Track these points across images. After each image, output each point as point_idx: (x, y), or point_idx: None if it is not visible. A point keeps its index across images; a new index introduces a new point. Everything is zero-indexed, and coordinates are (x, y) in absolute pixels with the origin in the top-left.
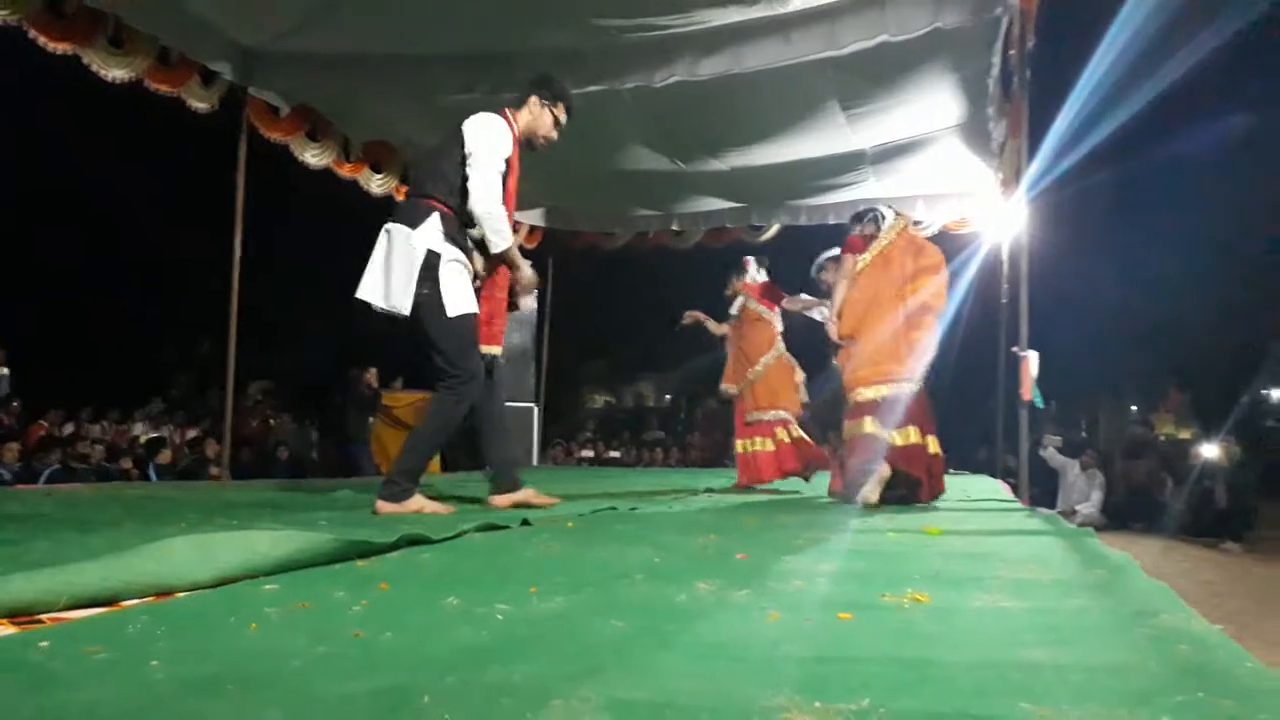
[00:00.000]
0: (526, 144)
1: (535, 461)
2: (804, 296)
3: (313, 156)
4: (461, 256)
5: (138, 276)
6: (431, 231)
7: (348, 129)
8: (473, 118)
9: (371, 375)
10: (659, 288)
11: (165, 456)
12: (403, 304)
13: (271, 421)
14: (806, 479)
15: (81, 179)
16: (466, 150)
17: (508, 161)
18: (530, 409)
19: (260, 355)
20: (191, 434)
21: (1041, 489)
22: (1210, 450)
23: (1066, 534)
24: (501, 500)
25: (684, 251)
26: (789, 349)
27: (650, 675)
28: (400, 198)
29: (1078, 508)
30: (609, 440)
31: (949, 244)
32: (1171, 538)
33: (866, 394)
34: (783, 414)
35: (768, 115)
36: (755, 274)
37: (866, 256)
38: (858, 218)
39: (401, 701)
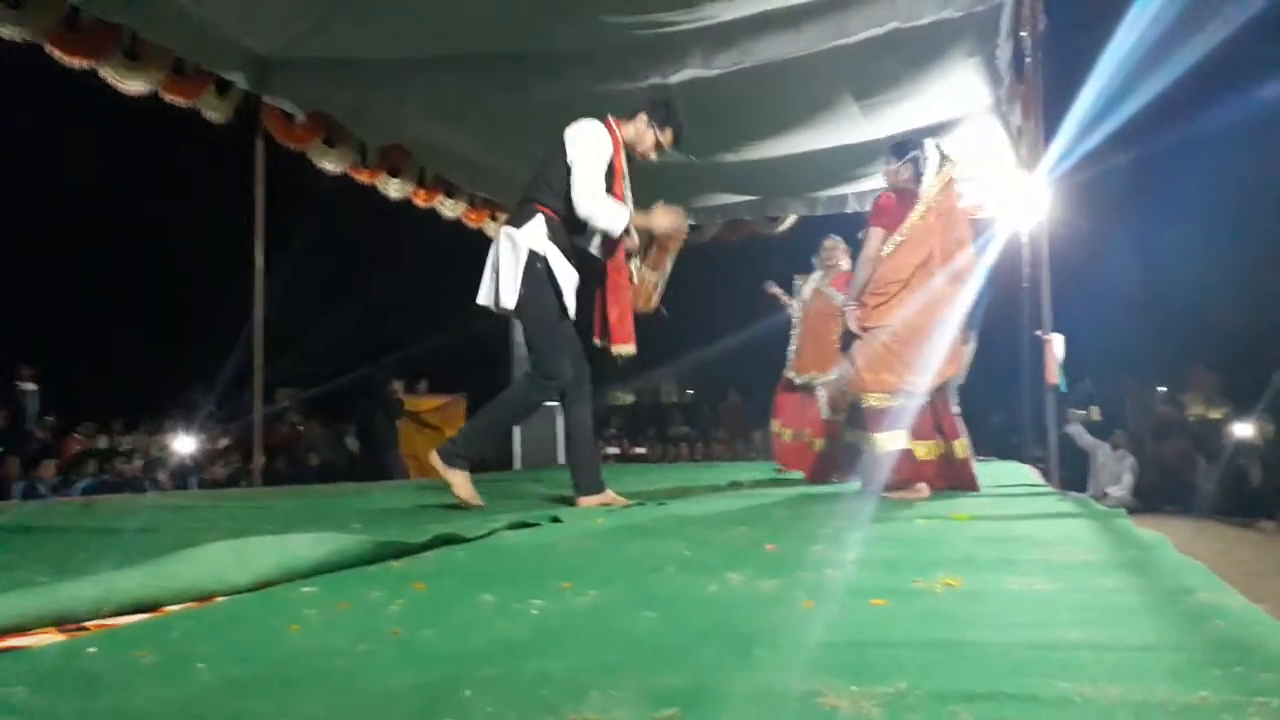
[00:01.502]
0: (628, 154)
1: (560, 459)
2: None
3: (330, 163)
4: (563, 261)
5: (161, 289)
6: (535, 233)
7: (364, 134)
8: (573, 125)
9: (397, 386)
10: (678, 283)
11: (217, 472)
12: (509, 301)
13: (301, 429)
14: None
15: (101, 194)
16: (569, 159)
17: (611, 165)
18: (554, 407)
19: (286, 363)
20: (223, 443)
21: (1071, 473)
22: (1244, 429)
23: (1098, 516)
24: (590, 501)
25: (701, 246)
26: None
27: (685, 664)
28: (419, 203)
29: (1108, 490)
30: (634, 437)
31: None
32: (1205, 518)
33: (881, 401)
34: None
35: (781, 108)
36: (843, 261)
37: (905, 228)
38: (896, 151)
39: (443, 695)
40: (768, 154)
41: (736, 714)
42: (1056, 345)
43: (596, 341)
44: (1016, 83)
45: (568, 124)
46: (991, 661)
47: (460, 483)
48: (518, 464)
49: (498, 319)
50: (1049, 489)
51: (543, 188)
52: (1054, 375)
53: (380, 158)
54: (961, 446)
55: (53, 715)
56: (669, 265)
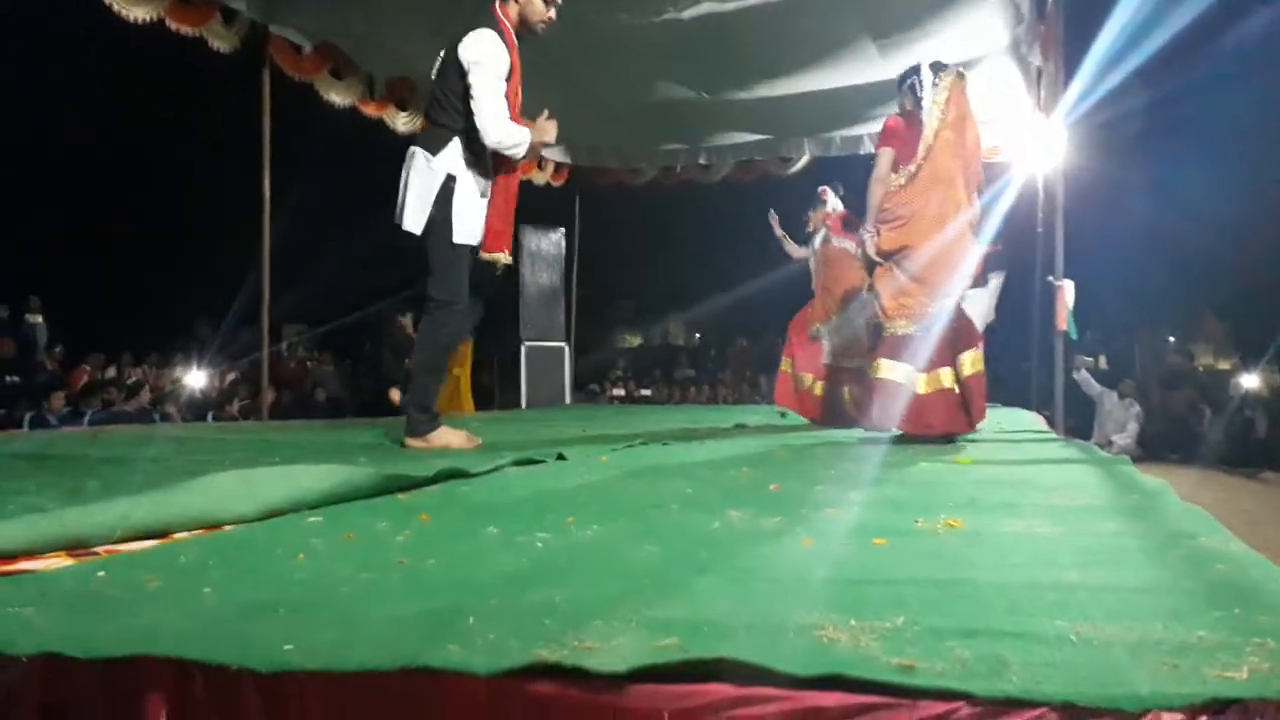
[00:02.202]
0: (528, 33)
1: (569, 399)
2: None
3: (337, 95)
4: (477, 182)
5: (166, 220)
6: (451, 156)
7: (371, 66)
8: (465, 40)
9: (407, 320)
10: (688, 224)
11: (225, 405)
12: (415, 225)
13: (308, 364)
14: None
15: (106, 123)
16: (469, 80)
17: (508, 74)
18: (561, 348)
19: (294, 298)
20: (230, 378)
21: (1077, 420)
22: (1250, 380)
23: (1101, 462)
24: (417, 442)
25: (712, 186)
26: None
27: (686, 596)
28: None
29: (1113, 438)
30: (640, 379)
31: (984, 172)
32: (1209, 468)
33: (904, 328)
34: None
35: (797, 45)
36: (835, 204)
37: (919, 157)
38: (899, 83)
39: (447, 622)
40: (782, 92)
41: (736, 644)
42: (1068, 292)
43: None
44: (1037, 23)
45: (576, 59)
46: (990, 600)
47: (445, 439)
48: (524, 403)
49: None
50: (1054, 435)
51: (447, 109)
52: (1064, 322)
53: (388, 90)
54: (970, 363)
55: (61, 636)
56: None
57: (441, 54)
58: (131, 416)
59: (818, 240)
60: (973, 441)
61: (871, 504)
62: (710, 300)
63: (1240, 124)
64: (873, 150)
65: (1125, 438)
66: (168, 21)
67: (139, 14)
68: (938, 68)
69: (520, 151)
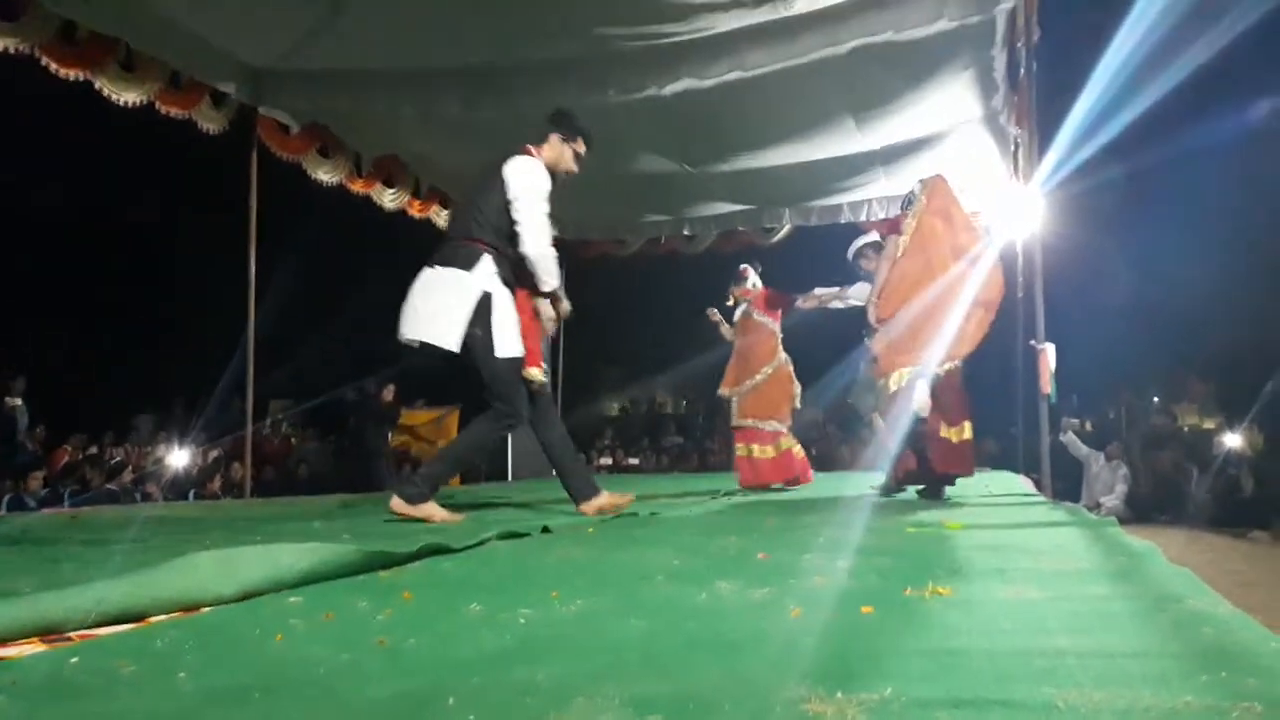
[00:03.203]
0: (551, 178)
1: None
2: (818, 291)
3: (325, 174)
4: (509, 299)
5: (155, 300)
6: (486, 274)
7: (358, 145)
8: (512, 162)
9: (389, 391)
10: (673, 294)
11: (207, 484)
12: (452, 342)
13: (293, 440)
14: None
15: (96, 204)
16: (510, 196)
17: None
18: None
19: (280, 375)
20: (213, 455)
21: (1065, 483)
22: (1234, 439)
23: (1089, 524)
24: (589, 507)
25: (696, 257)
26: (792, 353)
27: (672, 671)
28: (415, 213)
29: (1102, 500)
30: (628, 447)
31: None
32: (1197, 528)
33: (898, 381)
34: (778, 425)
35: (776, 119)
36: (755, 281)
37: (905, 237)
38: (902, 205)
39: (426, 703)
40: (762, 164)
41: None
42: (1050, 355)
43: None
44: (1011, 94)
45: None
46: (978, 669)
47: (430, 512)
48: (510, 475)
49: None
50: (1041, 499)
51: (484, 225)
52: (1048, 385)
53: (375, 168)
54: (958, 433)
55: None
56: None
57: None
58: (111, 496)
59: (738, 313)
60: (961, 505)
61: (860, 572)
62: (697, 367)
63: (1217, 190)
64: (851, 219)
65: (1114, 499)
66: (158, 105)
67: (130, 98)
68: (921, 181)
69: (551, 279)
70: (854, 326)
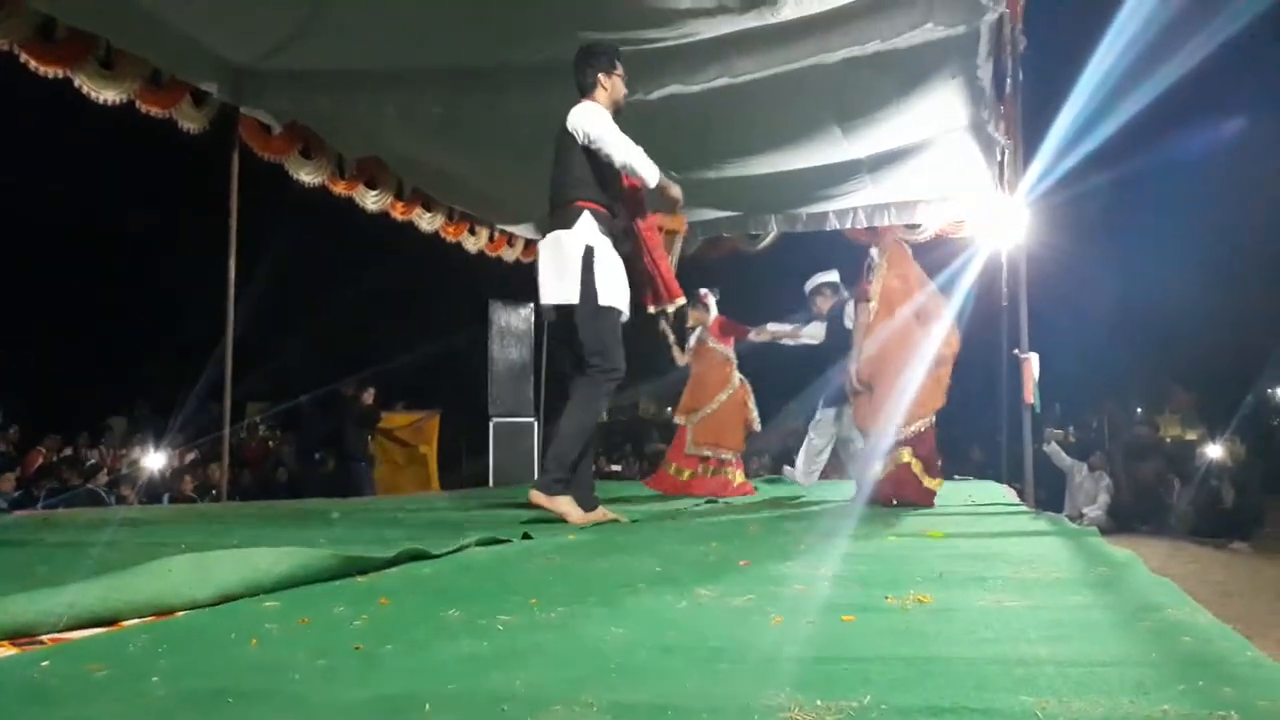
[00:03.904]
0: (617, 112)
1: (536, 476)
2: (771, 327)
3: (307, 175)
4: (612, 252)
5: (131, 300)
6: (586, 228)
7: (341, 146)
8: (570, 115)
9: (369, 394)
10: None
11: (184, 487)
12: (565, 296)
13: (271, 443)
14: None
15: (73, 204)
16: (584, 139)
17: None
18: (530, 423)
19: (258, 377)
20: (190, 458)
21: (1048, 493)
22: (1215, 450)
23: (1070, 534)
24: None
25: (681, 262)
26: (775, 366)
27: (652, 679)
28: (397, 215)
29: (1084, 510)
30: (610, 454)
31: (947, 248)
32: (1179, 539)
33: (870, 439)
34: (724, 454)
35: (762, 126)
36: (713, 308)
37: (874, 303)
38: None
39: (402, 709)
40: (748, 171)
41: None
42: (1033, 365)
43: (651, 309)
44: (997, 103)
45: (546, 138)
46: (958, 677)
47: (567, 508)
48: (492, 480)
49: (476, 335)
50: (1024, 508)
51: (573, 184)
52: (1031, 394)
53: (358, 170)
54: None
55: None
56: (675, 252)
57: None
58: (85, 498)
59: (693, 338)
60: (944, 515)
61: (841, 580)
62: (680, 374)
63: (1200, 202)
64: (837, 226)
65: (1096, 509)
66: (138, 103)
67: (109, 96)
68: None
69: (651, 174)
70: (839, 348)
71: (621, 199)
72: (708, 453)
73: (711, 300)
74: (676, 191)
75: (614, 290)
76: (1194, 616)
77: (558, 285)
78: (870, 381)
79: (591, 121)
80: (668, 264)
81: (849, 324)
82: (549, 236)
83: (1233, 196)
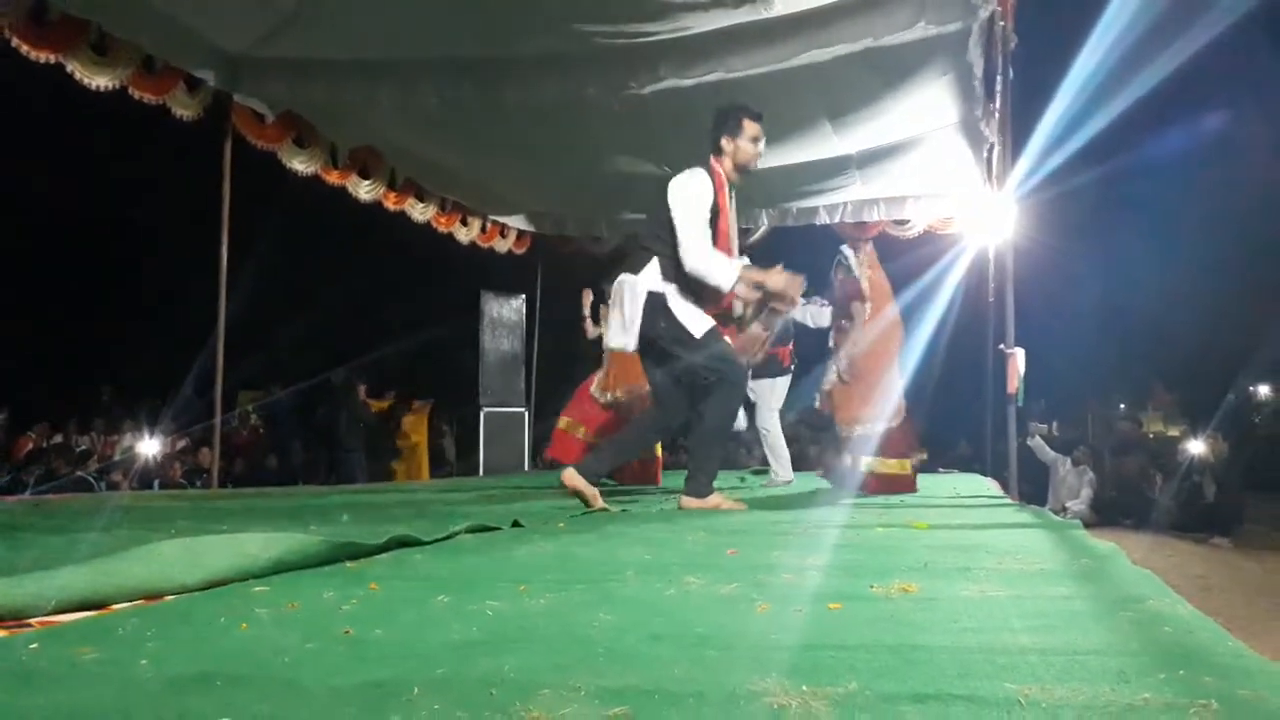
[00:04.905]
0: (744, 173)
1: (527, 466)
2: None
3: (300, 163)
4: (681, 298)
5: (123, 286)
6: (651, 275)
7: (335, 135)
8: (677, 177)
9: (361, 390)
10: None
11: (174, 474)
12: (629, 342)
13: (262, 431)
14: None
15: (65, 188)
16: (670, 213)
17: (714, 208)
18: (521, 414)
19: (250, 365)
20: (180, 446)
21: (1032, 486)
22: (1197, 446)
23: (1054, 526)
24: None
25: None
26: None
27: (639, 664)
28: (390, 205)
29: (1068, 504)
30: None
31: (935, 244)
32: (1161, 533)
33: (857, 431)
34: None
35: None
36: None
37: (869, 304)
38: (835, 266)
39: (391, 694)
40: None
41: (686, 713)
42: (1019, 359)
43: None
44: (988, 101)
45: (540, 130)
46: (941, 664)
47: (718, 501)
48: (482, 470)
49: (467, 325)
50: (1008, 501)
51: (655, 235)
52: (1014, 385)
53: (351, 159)
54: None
55: None
56: (777, 326)
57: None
58: (75, 485)
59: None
60: (929, 506)
61: (828, 568)
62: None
63: (1187, 200)
64: (827, 220)
65: (1079, 504)
66: (130, 90)
67: (101, 82)
68: (854, 245)
69: (721, 282)
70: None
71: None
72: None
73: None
74: (777, 282)
75: (698, 319)
76: (1175, 608)
77: (615, 330)
78: (855, 376)
79: (678, 200)
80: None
81: (811, 324)
82: (620, 277)
83: (1219, 194)
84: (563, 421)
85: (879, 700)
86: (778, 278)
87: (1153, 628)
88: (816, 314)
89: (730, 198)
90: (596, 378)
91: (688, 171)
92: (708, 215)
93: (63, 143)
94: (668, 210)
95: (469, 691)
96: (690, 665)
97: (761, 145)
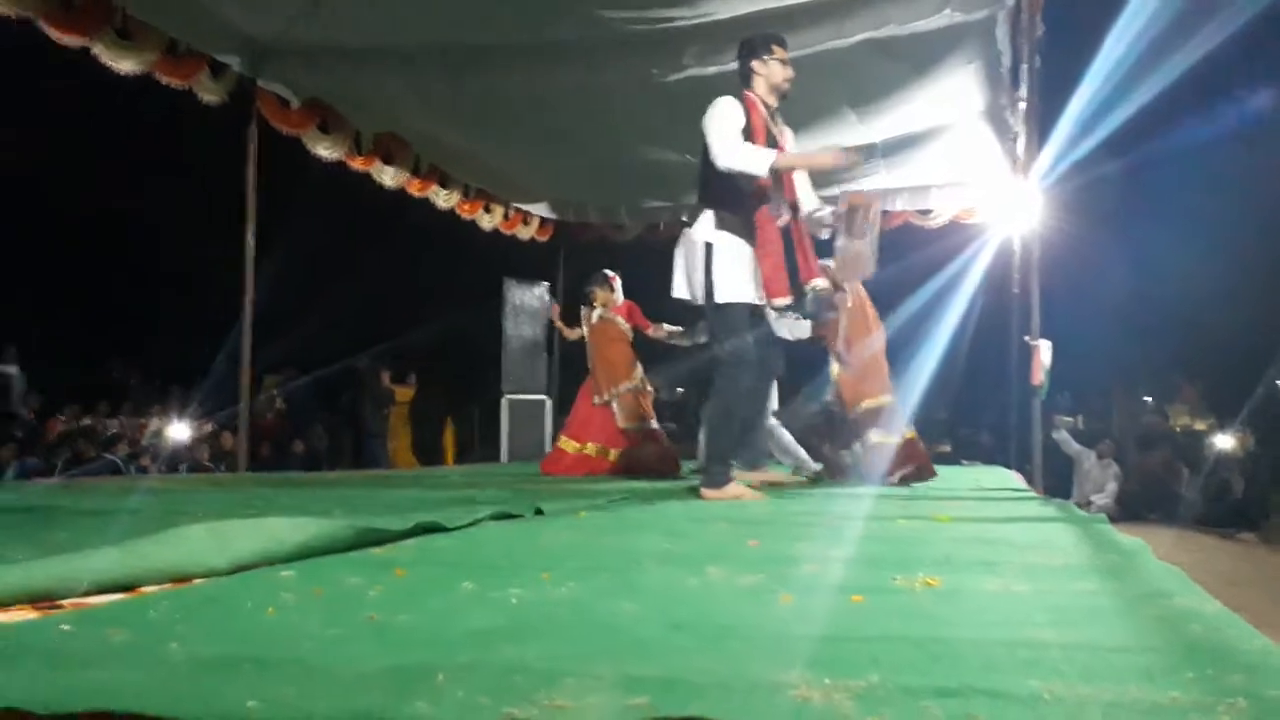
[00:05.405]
0: (779, 97)
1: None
2: (667, 327)
3: (325, 149)
4: (732, 247)
5: (149, 271)
6: (705, 226)
7: (359, 121)
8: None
9: (385, 376)
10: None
11: (200, 458)
12: (684, 292)
13: (286, 416)
14: None
15: (91, 173)
16: (706, 140)
17: (748, 128)
18: (543, 401)
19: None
20: (207, 429)
21: (1057, 480)
22: (1225, 441)
23: (1078, 520)
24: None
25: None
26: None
27: (662, 654)
28: (414, 192)
29: (1092, 498)
30: None
31: (960, 234)
32: (1187, 528)
33: (864, 405)
34: (653, 423)
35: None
36: (619, 292)
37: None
38: None
39: (416, 679)
40: None
41: (707, 703)
42: (1044, 351)
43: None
44: (1014, 89)
45: (563, 118)
46: (965, 659)
47: (738, 491)
48: (505, 457)
49: (492, 312)
50: (1032, 494)
51: (702, 186)
52: (1039, 377)
53: (375, 145)
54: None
55: (22, 690)
56: (875, 229)
57: None
58: (104, 468)
59: (595, 315)
60: (951, 499)
61: (851, 560)
62: (692, 353)
63: (1216, 190)
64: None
65: (1104, 498)
66: (156, 74)
67: (127, 67)
68: None
69: (758, 167)
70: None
71: (750, 192)
72: (635, 426)
73: (618, 283)
74: (826, 159)
75: (732, 283)
76: (1202, 604)
77: (678, 281)
78: (853, 355)
79: (708, 123)
80: (778, 261)
81: (791, 337)
82: (684, 233)
83: (1248, 183)
84: (561, 439)
85: (902, 693)
86: (823, 156)
87: (1179, 624)
88: (794, 327)
89: (770, 121)
90: (589, 387)
91: (714, 103)
92: (739, 129)
93: (89, 128)
94: (704, 147)
95: (493, 678)
96: (712, 655)
97: (790, 70)
